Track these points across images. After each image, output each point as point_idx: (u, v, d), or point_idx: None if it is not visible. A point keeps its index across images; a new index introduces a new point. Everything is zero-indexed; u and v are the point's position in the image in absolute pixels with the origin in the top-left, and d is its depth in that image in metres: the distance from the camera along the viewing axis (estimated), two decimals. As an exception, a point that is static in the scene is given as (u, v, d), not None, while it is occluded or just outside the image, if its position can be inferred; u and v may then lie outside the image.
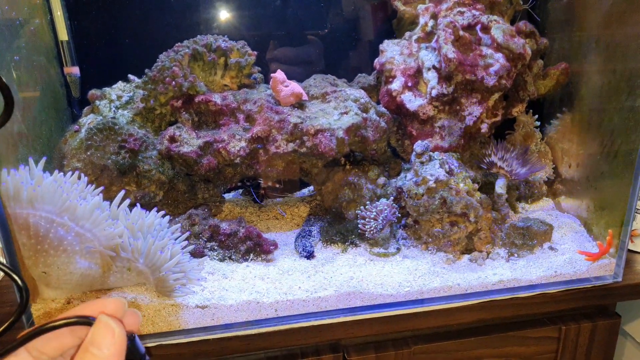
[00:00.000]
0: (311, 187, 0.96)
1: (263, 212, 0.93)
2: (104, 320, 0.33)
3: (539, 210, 0.89)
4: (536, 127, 0.91)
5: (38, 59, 0.74)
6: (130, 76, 0.84)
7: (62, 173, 0.63)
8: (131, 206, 0.68)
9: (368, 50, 0.94)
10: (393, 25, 0.93)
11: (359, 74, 0.90)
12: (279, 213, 0.91)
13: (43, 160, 0.64)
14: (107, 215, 0.63)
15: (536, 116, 0.90)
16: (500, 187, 0.78)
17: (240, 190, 0.97)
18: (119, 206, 0.65)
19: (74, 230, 0.62)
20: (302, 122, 0.75)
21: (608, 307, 0.85)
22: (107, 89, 0.82)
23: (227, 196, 0.96)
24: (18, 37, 0.67)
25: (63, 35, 0.80)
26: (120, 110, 0.79)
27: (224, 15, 0.89)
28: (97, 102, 0.80)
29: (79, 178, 0.66)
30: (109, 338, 0.33)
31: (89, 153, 0.72)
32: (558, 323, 0.81)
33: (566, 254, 0.77)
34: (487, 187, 0.81)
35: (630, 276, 0.78)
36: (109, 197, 0.67)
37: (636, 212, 0.82)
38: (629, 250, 0.84)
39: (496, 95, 0.77)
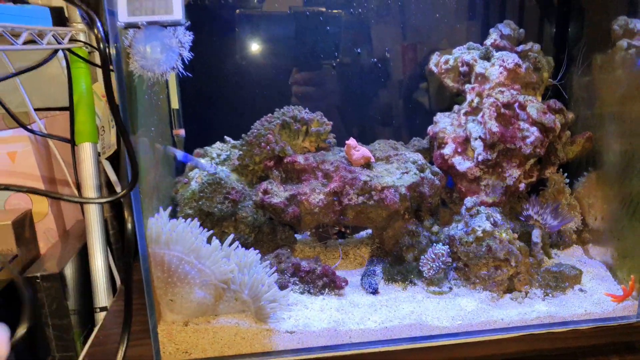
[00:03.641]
0: (369, 230, 1.12)
1: (329, 252, 1.08)
2: None
3: (570, 256, 1.03)
4: (566, 184, 1.05)
5: (161, 125, 0.93)
6: (226, 137, 1.02)
7: (189, 219, 0.80)
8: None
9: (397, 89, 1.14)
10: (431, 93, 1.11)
11: (414, 138, 1.07)
12: (339, 253, 1.07)
13: (169, 210, 0.81)
14: (223, 255, 0.79)
15: (565, 174, 1.05)
16: (536, 237, 0.93)
17: (308, 232, 1.13)
18: (230, 246, 0.82)
19: (196, 267, 0.79)
20: (370, 180, 0.91)
21: (634, 343, 0.97)
22: (208, 148, 1.00)
23: (298, 237, 1.13)
24: (152, 113, 0.86)
25: (175, 104, 0.99)
26: (219, 166, 0.97)
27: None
28: (200, 160, 0.98)
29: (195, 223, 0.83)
30: None
31: (200, 202, 0.90)
32: (588, 357, 0.93)
33: (594, 295, 0.90)
34: (525, 236, 0.95)
35: (652, 316, 0.91)
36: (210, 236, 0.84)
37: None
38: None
39: (532, 161, 0.93)
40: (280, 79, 1.11)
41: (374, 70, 1.12)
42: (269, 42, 1.10)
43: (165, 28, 0.68)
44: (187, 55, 0.71)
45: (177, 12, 0.67)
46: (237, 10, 1.07)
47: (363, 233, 1.16)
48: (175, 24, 0.68)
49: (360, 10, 1.08)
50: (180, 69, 0.71)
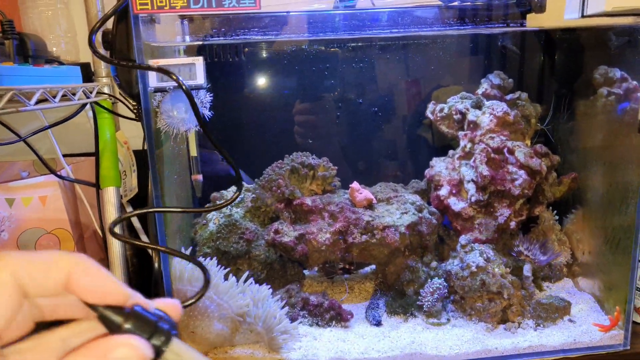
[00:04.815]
0: (373, 266, 1.19)
1: (335, 286, 1.16)
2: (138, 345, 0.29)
3: (561, 288, 1.10)
4: (556, 221, 1.13)
5: (182, 171, 1.02)
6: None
7: (207, 258, 0.88)
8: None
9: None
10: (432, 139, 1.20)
11: (413, 180, 1.16)
12: (345, 287, 1.14)
13: (190, 249, 0.90)
14: (239, 290, 0.87)
15: (555, 212, 1.13)
16: (526, 271, 1.00)
17: (316, 268, 1.20)
18: (245, 282, 0.90)
19: (215, 302, 0.86)
20: (373, 220, 0.99)
21: (622, 371, 1.03)
22: (224, 192, 1.09)
23: (306, 272, 1.20)
24: (175, 162, 0.96)
25: (193, 152, 1.09)
26: (234, 209, 1.06)
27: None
28: (217, 202, 1.07)
29: (214, 262, 0.91)
30: None
31: (217, 242, 0.99)
32: (580, 384, 0.99)
33: (583, 325, 0.97)
34: (517, 270, 1.02)
35: (639, 345, 0.97)
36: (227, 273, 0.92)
37: (642, 292, 1.03)
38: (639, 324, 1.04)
39: (521, 201, 1.01)
40: (290, 124, 1.22)
41: (382, 119, 1.23)
42: (278, 87, 1.21)
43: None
44: (208, 114, 0.81)
45: (200, 78, 0.77)
46: (246, 49, 1.17)
47: (367, 269, 1.23)
48: (197, 88, 0.78)
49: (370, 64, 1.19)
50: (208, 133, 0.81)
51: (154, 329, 0.30)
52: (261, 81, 1.22)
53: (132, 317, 0.30)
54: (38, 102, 0.88)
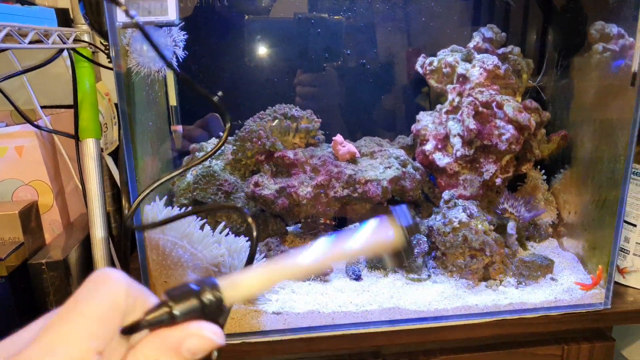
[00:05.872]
0: (357, 225, 1.17)
1: (318, 243, 1.14)
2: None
3: (546, 248, 1.08)
4: (544, 180, 1.11)
5: (160, 121, 0.99)
6: (221, 133, 1.08)
7: (183, 208, 0.86)
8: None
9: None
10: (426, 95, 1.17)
11: (399, 135, 1.13)
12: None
13: (165, 199, 0.88)
14: (214, 241, 0.85)
15: (543, 171, 1.10)
16: (510, 228, 0.98)
17: (299, 224, 1.18)
18: (220, 233, 0.88)
19: (189, 251, 0.85)
20: (355, 174, 0.97)
21: (604, 331, 1.02)
22: (204, 144, 1.06)
23: (289, 229, 1.18)
24: (151, 108, 0.92)
25: (173, 101, 1.05)
26: (214, 161, 1.03)
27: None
28: (197, 154, 1.04)
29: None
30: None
31: (195, 193, 0.96)
32: (561, 343, 0.99)
33: (565, 284, 0.96)
34: (501, 228, 1.01)
35: (620, 305, 0.96)
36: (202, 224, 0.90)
37: (626, 252, 1.01)
38: (622, 285, 1.02)
39: (508, 157, 0.98)
40: (277, 79, 1.17)
41: (371, 72, 1.18)
42: (269, 45, 1.16)
43: (161, 28, 0.74)
44: (181, 53, 0.77)
45: (172, 13, 0.73)
46: (247, 17, 1.13)
47: (352, 226, 1.22)
48: (169, 25, 0.74)
49: (361, 16, 1.14)
50: (175, 67, 0.77)
51: (195, 291, 0.30)
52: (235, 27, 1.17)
53: (172, 299, 0.29)
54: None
